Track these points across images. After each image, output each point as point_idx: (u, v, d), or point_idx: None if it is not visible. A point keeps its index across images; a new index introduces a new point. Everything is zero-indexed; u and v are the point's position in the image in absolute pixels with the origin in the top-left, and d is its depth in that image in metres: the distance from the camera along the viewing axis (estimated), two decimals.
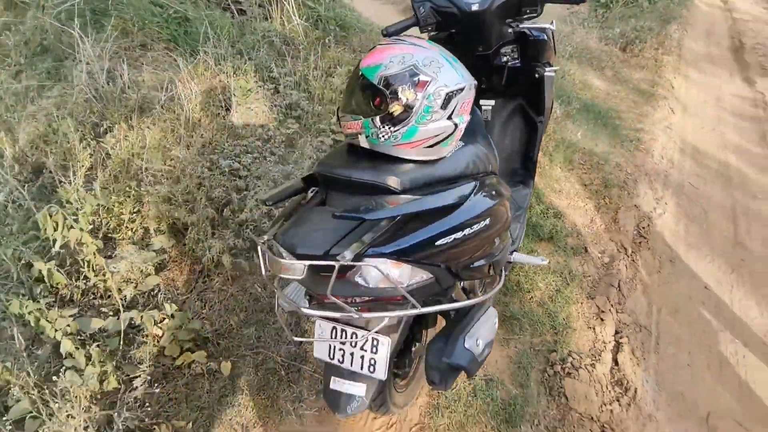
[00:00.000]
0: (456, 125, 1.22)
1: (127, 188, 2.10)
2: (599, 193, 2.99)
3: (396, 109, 1.14)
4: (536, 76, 2.10)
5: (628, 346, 2.06)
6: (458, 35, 2.05)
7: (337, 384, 1.30)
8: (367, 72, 1.17)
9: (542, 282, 2.23)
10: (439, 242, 1.14)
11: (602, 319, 2.13)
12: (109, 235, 2.07)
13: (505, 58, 2.09)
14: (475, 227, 1.21)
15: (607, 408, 1.79)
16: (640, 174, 3.28)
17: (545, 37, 2.00)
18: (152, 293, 1.88)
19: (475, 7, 1.95)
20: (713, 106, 4.63)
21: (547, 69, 2.06)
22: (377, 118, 1.17)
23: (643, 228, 2.84)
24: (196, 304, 1.89)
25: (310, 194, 1.28)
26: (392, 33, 1.92)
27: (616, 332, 2.12)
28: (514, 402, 1.71)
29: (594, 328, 2.09)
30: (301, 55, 3.34)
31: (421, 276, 1.18)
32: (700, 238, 2.88)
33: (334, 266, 1.02)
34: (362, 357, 1.24)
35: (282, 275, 1.10)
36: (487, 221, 1.26)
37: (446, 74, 1.16)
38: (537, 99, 2.13)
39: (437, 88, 1.15)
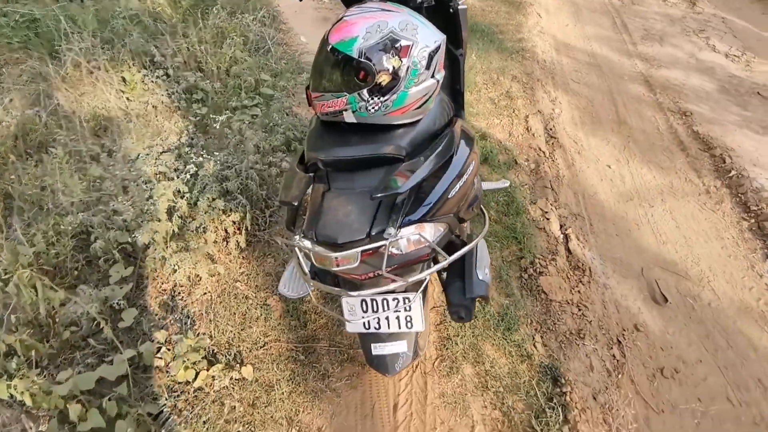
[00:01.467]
0: (438, 81, 1.24)
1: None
2: (508, 107, 3.22)
3: (384, 78, 1.13)
4: (450, 11, 2.14)
5: (573, 235, 2.37)
6: None
7: (379, 349, 1.37)
8: (343, 47, 1.13)
9: (493, 201, 2.43)
10: (450, 194, 1.21)
11: (548, 219, 2.41)
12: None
13: (419, 0, 2.09)
14: (469, 170, 1.29)
15: (576, 290, 2.08)
16: (533, 81, 3.57)
17: None
18: (134, 326, 1.73)
19: None
20: (570, 4, 5.06)
21: (459, 2, 2.11)
22: (364, 92, 1.15)
23: (551, 129, 3.15)
24: (187, 321, 1.79)
25: (298, 174, 1.26)
26: None
27: (561, 226, 2.42)
28: (507, 311, 1.92)
29: (544, 228, 2.36)
30: (179, 31, 3.00)
31: (439, 229, 1.25)
32: (594, 125, 3.28)
33: (383, 245, 1.06)
34: (398, 318, 1.31)
35: (336, 268, 1.10)
36: (473, 164, 1.35)
37: (424, 34, 1.15)
38: (455, 33, 2.18)
39: (420, 50, 1.14)
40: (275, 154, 2.44)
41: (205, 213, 1.92)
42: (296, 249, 1.28)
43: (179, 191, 2.01)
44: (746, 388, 1.80)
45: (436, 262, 1.33)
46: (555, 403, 1.61)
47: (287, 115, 2.80)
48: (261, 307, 1.85)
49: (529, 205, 2.47)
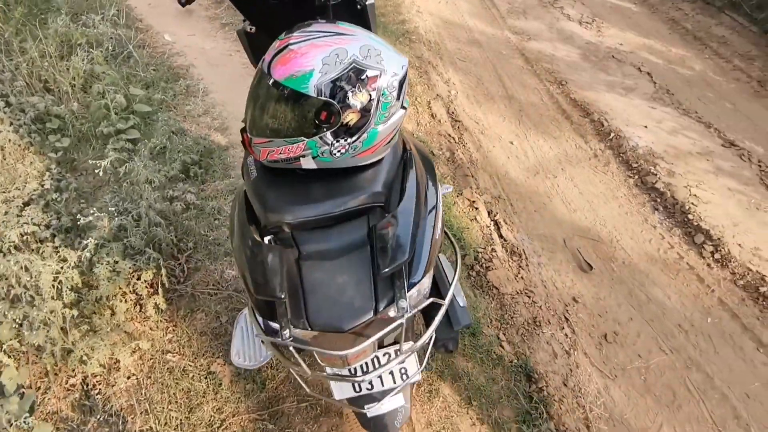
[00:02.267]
0: (406, 110, 1.08)
1: None
2: (409, 95, 3.15)
3: (351, 118, 0.93)
4: (358, 7, 1.97)
5: (501, 220, 2.42)
6: None
7: (374, 410, 1.23)
8: (294, 83, 0.90)
9: None
10: (437, 235, 1.09)
11: (477, 208, 2.42)
12: None
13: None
14: (439, 206, 1.18)
15: (519, 277, 2.13)
16: (425, 64, 3.54)
17: None
18: None
19: None
20: None
21: None
22: (328, 134, 0.95)
23: (452, 113, 3.16)
24: (116, 420, 1.45)
25: (268, 248, 1.02)
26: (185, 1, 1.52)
27: (489, 213, 2.45)
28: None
29: (476, 218, 2.37)
30: (14, 47, 2.36)
31: (431, 276, 1.13)
32: (488, 103, 3.37)
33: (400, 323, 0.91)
34: (392, 372, 1.18)
35: (350, 365, 0.92)
36: (439, 187, 1.24)
37: (389, 59, 0.96)
38: (365, 28, 2.03)
39: (390, 80, 0.95)
40: (174, 186, 2.07)
41: (109, 281, 1.54)
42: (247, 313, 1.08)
43: (64, 259, 1.59)
44: (672, 335, 2.02)
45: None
46: (536, 401, 1.63)
47: (175, 134, 2.40)
48: (205, 378, 1.58)
49: (457, 198, 2.46)
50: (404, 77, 0.99)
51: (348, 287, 0.95)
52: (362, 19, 1.97)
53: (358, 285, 0.95)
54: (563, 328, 1.96)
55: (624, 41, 4.41)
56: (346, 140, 0.96)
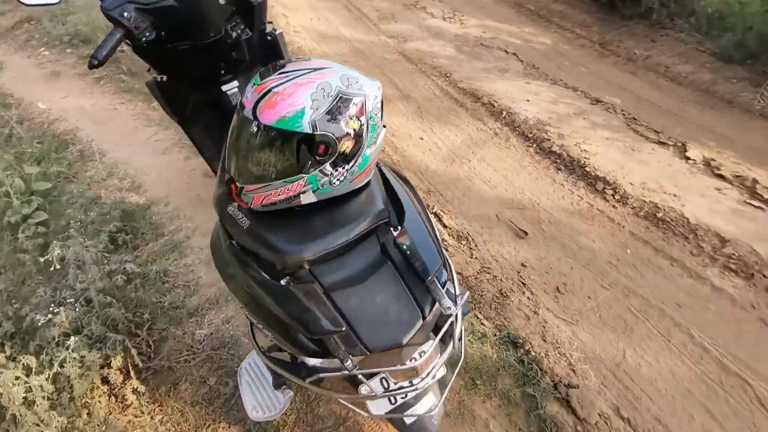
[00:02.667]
0: (385, 127, 1.13)
1: None
2: None
3: (347, 145, 0.97)
4: (269, 38, 1.97)
5: (439, 210, 2.57)
6: (177, 30, 1.65)
7: (412, 417, 1.27)
8: (286, 125, 0.92)
9: None
10: (435, 230, 1.16)
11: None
12: None
13: (235, 33, 1.84)
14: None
15: (474, 258, 2.30)
16: None
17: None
18: None
19: None
20: (301, 1, 5.18)
21: (274, 27, 1.96)
22: (327, 166, 0.98)
23: None
24: None
25: (297, 288, 1.01)
26: (103, 58, 1.43)
27: (427, 207, 2.59)
28: None
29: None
30: None
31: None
32: (388, 105, 3.53)
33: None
34: (422, 378, 1.23)
35: (420, 374, 0.95)
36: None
37: (367, 84, 1.00)
38: (274, 60, 2.03)
39: (373, 103, 1.00)
40: (108, 259, 1.89)
41: (81, 377, 1.38)
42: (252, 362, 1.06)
43: (26, 366, 1.39)
44: (606, 272, 2.32)
45: None
46: (528, 363, 1.79)
47: (85, 206, 2.18)
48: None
49: None
50: (381, 98, 1.05)
51: (390, 304, 0.99)
52: (274, 49, 1.98)
53: (397, 299, 0.99)
54: (524, 292, 2.16)
55: (485, 29, 4.88)
56: (344, 168, 1.00)
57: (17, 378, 1.32)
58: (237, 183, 1.03)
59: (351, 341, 0.96)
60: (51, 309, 1.49)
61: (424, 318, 1.00)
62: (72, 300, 1.64)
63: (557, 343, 1.92)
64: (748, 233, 2.43)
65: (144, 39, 1.61)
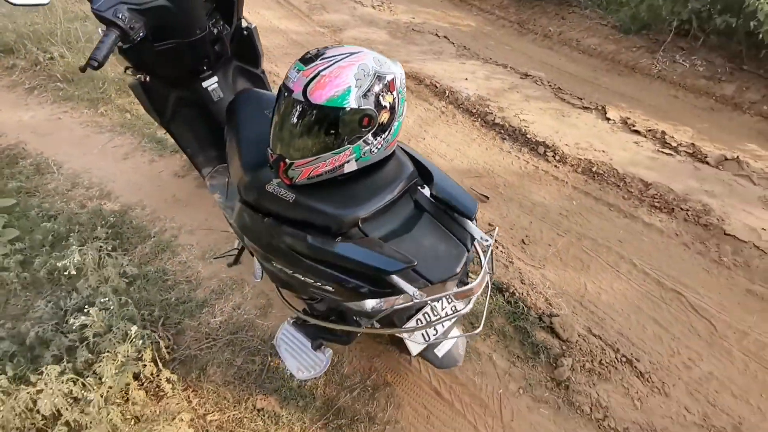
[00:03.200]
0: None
1: None
2: None
3: (384, 117, 1.14)
4: (245, 33, 2.03)
5: None
6: (165, 30, 1.68)
7: (442, 348, 1.46)
8: (336, 102, 1.06)
9: None
10: None
11: None
12: None
13: (216, 30, 1.89)
14: None
15: None
16: (268, 75, 3.64)
17: None
18: None
19: None
20: None
21: (248, 22, 2.03)
22: (369, 136, 1.14)
23: None
24: None
25: (362, 242, 1.16)
26: (103, 59, 1.47)
27: None
28: None
29: None
30: None
31: None
32: None
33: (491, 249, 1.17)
34: (446, 313, 1.42)
35: (475, 294, 1.13)
36: None
37: (392, 64, 1.17)
38: (252, 53, 2.10)
39: (400, 79, 1.17)
40: (107, 263, 1.89)
41: (120, 373, 1.42)
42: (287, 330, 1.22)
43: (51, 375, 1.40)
44: (559, 223, 2.66)
45: None
46: (515, 303, 2.06)
47: (55, 217, 2.13)
48: (259, 418, 1.59)
49: None
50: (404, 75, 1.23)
51: (437, 244, 1.17)
52: (250, 42, 2.07)
53: (442, 240, 1.18)
54: (498, 247, 2.43)
55: (414, 15, 5.12)
56: (381, 137, 1.17)
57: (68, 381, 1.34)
58: (286, 160, 1.16)
59: (413, 277, 1.13)
60: (85, 310, 1.50)
61: (468, 251, 1.20)
62: (82, 305, 1.65)
63: (533, 284, 2.22)
64: (665, 176, 2.89)
65: (137, 37, 1.64)
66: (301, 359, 1.53)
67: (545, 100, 3.69)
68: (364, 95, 1.10)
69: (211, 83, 2.04)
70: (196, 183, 2.59)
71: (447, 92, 3.75)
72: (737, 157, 2.94)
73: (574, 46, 4.59)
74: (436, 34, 4.71)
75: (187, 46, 1.86)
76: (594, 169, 2.97)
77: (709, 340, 2.02)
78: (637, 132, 3.29)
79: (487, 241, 1.21)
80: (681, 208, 2.68)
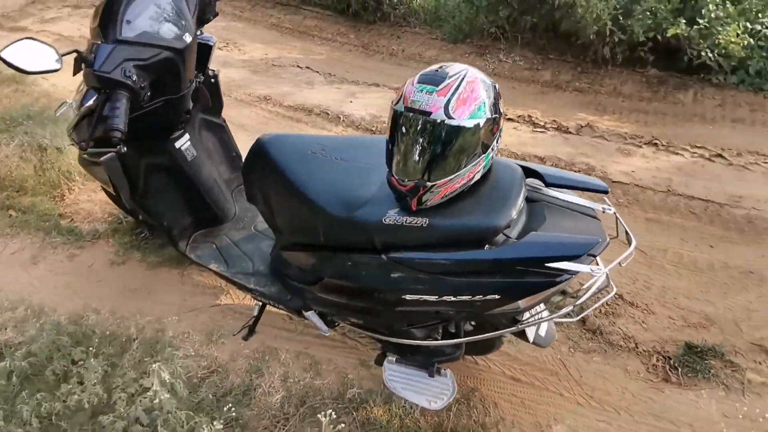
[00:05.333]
0: None
1: None
2: None
3: (501, 122, 1.21)
4: (212, 80, 1.81)
5: None
6: (159, 85, 1.43)
7: (544, 327, 1.53)
8: (476, 116, 1.10)
9: None
10: None
11: None
12: None
13: (197, 81, 1.64)
14: None
15: None
16: None
17: (211, 39, 1.72)
18: None
19: (188, 38, 1.43)
20: None
21: (213, 69, 1.83)
22: (495, 141, 1.20)
23: None
24: None
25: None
26: (125, 128, 1.28)
27: None
28: None
29: None
30: None
31: None
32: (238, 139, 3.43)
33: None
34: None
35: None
36: None
37: None
38: (215, 101, 1.88)
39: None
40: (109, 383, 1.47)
41: None
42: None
43: None
44: None
45: None
46: None
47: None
48: None
49: None
50: None
51: (576, 223, 1.23)
52: (216, 90, 1.90)
53: (576, 218, 1.25)
54: None
55: (265, 51, 5.04)
56: (498, 141, 1.21)
57: None
58: (427, 184, 1.12)
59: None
60: None
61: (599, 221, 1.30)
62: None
63: None
64: (549, 149, 3.47)
65: (145, 100, 1.39)
66: (425, 390, 1.46)
67: None
68: (493, 105, 1.14)
69: (183, 142, 1.77)
70: (144, 266, 2.16)
71: (340, 117, 3.82)
72: (588, 123, 3.71)
73: (419, 59, 5.11)
74: (298, 66, 4.73)
75: (177, 101, 1.61)
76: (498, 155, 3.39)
77: (647, 263, 2.51)
78: (510, 119, 3.87)
79: (610, 209, 1.33)
80: (573, 171, 3.26)
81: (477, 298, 1.19)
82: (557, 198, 1.32)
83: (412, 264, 1.21)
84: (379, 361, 1.58)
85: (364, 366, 1.79)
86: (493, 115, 1.15)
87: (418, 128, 1.11)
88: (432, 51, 5.18)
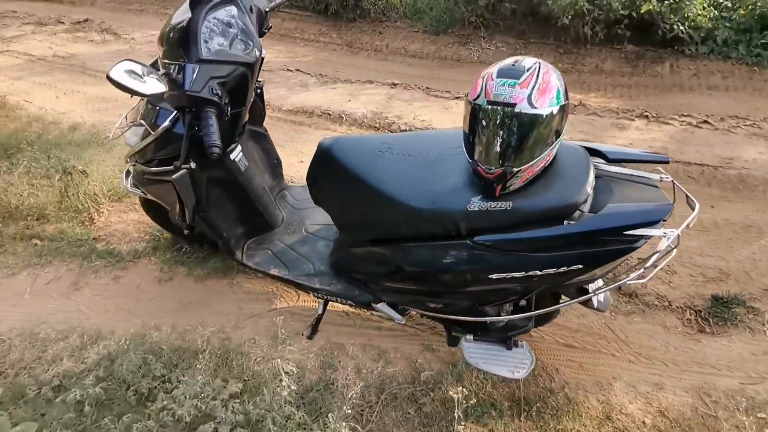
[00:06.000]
0: None
1: None
2: None
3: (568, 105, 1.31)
4: (258, 91, 1.84)
5: None
6: (231, 99, 1.47)
7: (602, 295, 1.64)
8: (554, 103, 1.19)
9: None
10: None
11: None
12: None
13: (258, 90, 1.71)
14: None
15: None
16: None
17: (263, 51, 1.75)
18: None
19: (257, 52, 1.49)
20: None
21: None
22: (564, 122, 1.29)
23: None
24: None
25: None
26: (221, 143, 1.32)
27: None
28: None
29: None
30: None
31: None
32: None
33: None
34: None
35: None
36: None
37: None
38: (261, 111, 1.93)
39: None
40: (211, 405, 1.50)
41: None
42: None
43: None
44: None
45: None
46: None
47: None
48: None
49: None
50: None
51: (643, 193, 1.33)
52: (261, 99, 1.94)
53: (639, 188, 1.35)
54: None
55: None
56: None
57: None
58: (513, 170, 1.21)
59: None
60: None
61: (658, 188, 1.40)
62: None
63: None
64: None
65: (228, 115, 1.44)
66: (506, 362, 1.56)
67: (425, 100, 4.13)
68: (564, 91, 1.24)
69: (237, 153, 1.80)
70: (192, 279, 2.17)
71: (342, 117, 3.86)
72: (580, 102, 3.87)
73: (404, 53, 5.18)
74: (288, 69, 4.73)
75: (240, 113, 1.65)
76: None
77: None
78: None
79: (667, 178, 1.44)
80: None
81: (561, 269, 1.29)
82: (617, 172, 1.42)
83: (499, 245, 1.30)
84: (453, 343, 1.67)
85: (429, 350, 1.87)
86: (566, 101, 1.24)
87: (503, 119, 1.19)
88: (416, 44, 5.25)
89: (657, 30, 4.36)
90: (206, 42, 1.52)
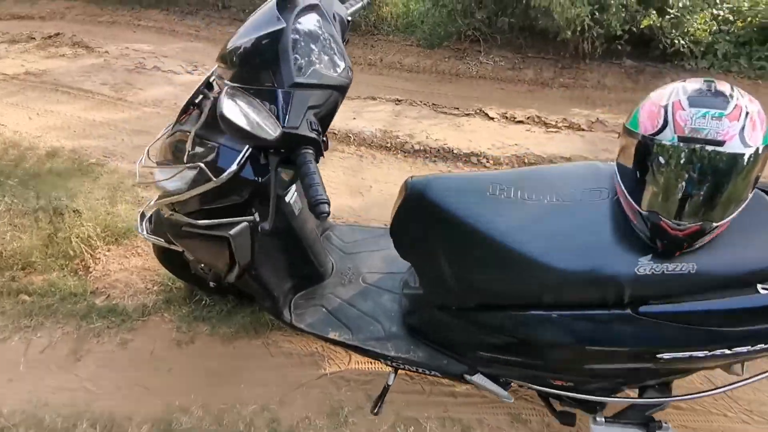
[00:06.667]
0: None
1: None
2: None
3: None
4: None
5: None
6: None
7: None
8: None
9: None
10: None
11: None
12: None
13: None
14: None
15: None
16: None
17: None
18: None
19: (350, 72, 1.17)
20: None
21: None
22: None
23: None
24: None
25: None
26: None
27: None
28: None
29: None
30: None
31: None
32: None
33: None
34: None
35: None
36: None
37: None
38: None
39: None
40: None
41: None
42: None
43: None
44: None
45: None
46: None
47: None
48: None
49: None
50: None
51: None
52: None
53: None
54: None
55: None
56: None
57: None
58: (710, 227, 0.96)
59: None
60: None
61: None
62: None
63: None
64: (570, 149, 3.42)
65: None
66: None
67: (433, 118, 3.88)
68: None
69: (292, 194, 1.46)
70: (218, 340, 1.79)
71: (350, 136, 3.56)
72: (597, 119, 3.72)
73: (399, 67, 4.93)
74: None
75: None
76: (526, 161, 3.30)
77: None
78: (521, 122, 3.80)
79: None
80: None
81: (758, 347, 1.03)
82: None
83: (678, 318, 1.03)
84: (568, 421, 1.38)
85: (519, 421, 1.59)
86: None
87: (708, 161, 0.92)
88: (410, 58, 5.02)
89: (656, 45, 4.31)
90: (296, 59, 1.19)
